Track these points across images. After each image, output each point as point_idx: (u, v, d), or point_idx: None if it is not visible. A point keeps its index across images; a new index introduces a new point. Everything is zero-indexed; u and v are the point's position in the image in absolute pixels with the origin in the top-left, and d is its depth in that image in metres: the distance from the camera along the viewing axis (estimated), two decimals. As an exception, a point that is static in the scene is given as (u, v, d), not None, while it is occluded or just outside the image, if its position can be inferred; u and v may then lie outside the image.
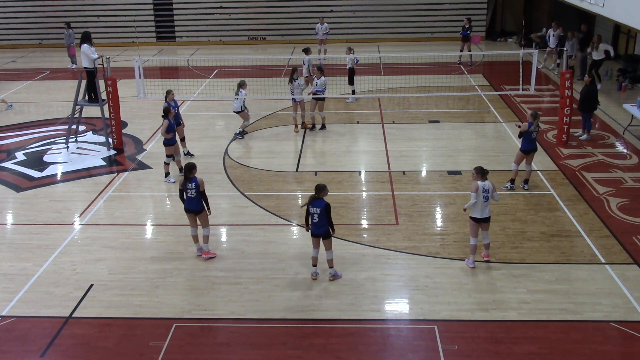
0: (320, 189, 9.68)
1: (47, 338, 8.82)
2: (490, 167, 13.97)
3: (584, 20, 23.28)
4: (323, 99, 16.92)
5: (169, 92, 14.65)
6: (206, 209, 10.59)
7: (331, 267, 10.06)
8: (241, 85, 16.35)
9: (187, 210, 10.64)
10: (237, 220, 12.26)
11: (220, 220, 12.22)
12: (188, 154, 15.45)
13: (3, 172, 14.94)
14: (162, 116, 13.58)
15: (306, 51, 19.63)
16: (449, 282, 9.95)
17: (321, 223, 9.72)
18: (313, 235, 9.94)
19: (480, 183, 10.00)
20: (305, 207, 9.86)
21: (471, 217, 10.21)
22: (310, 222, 9.84)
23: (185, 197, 10.52)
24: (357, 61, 19.69)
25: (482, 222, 10.15)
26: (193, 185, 10.34)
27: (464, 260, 10.47)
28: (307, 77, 19.40)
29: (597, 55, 19.60)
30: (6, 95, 21.80)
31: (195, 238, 10.85)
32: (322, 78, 16.75)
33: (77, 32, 20.68)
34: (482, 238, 10.36)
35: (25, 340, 8.80)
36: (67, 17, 28.75)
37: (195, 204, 10.48)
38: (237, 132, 16.98)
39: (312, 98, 16.96)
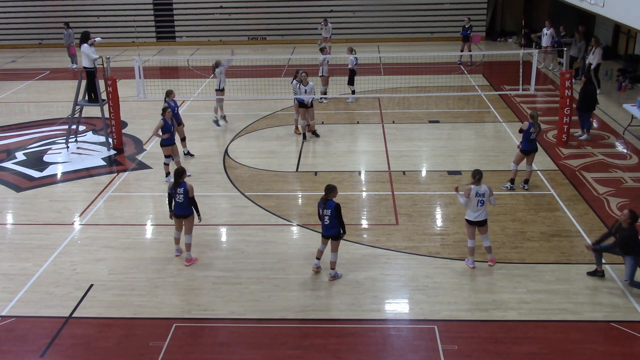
0: (330, 190, 9.67)
1: (47, 338, 8.82)
2: (490, 167, 14.05)
3: (584, 20, 23.25)
4: (312, 105, 16.56)
5: (169, 92, 14.65)
6: (196, 215, 10.52)
7: (333, 268, 10.07)
8: (217, 64, 17.03)
9: (175, 215, 10.57)
10: (237, 220, 12.26)
11: (220, 220, 12.23)
12: (188, 154, 15.44)
13: (3, 172, 14.94)
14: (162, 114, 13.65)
15: (322, 50, 19.62)
16: (449, 282, 9.95)
17: (331, 225, 9.72)
18: (323, 236, 9.98)
19: (474, 187, 9.97)
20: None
21: (465, 219, 10.23)
22: (321, 223, 9.87)
23: (174, 201, 10.44)
24: (356, 62, 19.62)
25: (476, 225, 10.14)
26: (182, 190, 10.29)
27: (464, 260, 10.47)
28: (322, 76, 19.40)
29: (592, 59, 19.47)
30: (6, 95, 21.82)
31: (177, 240, 10.84)
32: (310, 84, 16.53)
33: (77, 32, 20.66)
34: (482, 241, 10.35)
35: (25, 340, 8.80)
36: (67, 17, 28.75)
37: (184, 208, 10.39)
38: (215, 118, 17.75)
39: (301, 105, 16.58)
